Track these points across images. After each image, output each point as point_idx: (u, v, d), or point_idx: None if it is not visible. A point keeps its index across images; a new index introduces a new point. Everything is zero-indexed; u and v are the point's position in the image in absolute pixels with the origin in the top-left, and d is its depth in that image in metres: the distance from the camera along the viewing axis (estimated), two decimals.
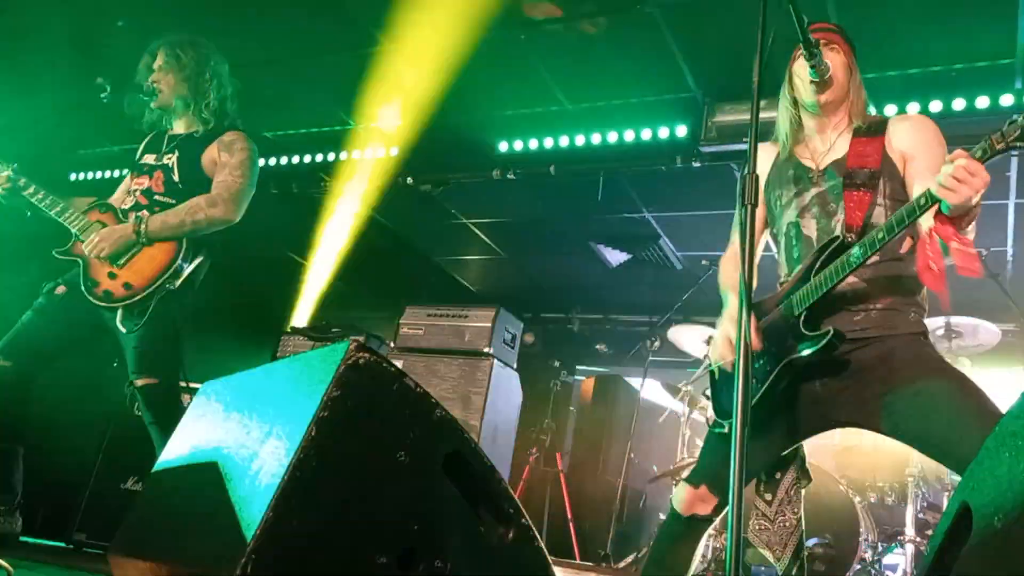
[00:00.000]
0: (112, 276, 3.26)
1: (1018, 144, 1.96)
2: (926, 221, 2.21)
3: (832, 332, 2.31)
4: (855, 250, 2.27)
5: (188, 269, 3.29)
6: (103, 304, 3.22)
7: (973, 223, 2.11)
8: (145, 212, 3.34)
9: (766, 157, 2.79)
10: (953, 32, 4.37)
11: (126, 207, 3.43)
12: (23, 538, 3.34)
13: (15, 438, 3.26)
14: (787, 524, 2.70)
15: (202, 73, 3.53)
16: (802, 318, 2.39)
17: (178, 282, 3.25)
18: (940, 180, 2.01)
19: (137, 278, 3.24)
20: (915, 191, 2.32)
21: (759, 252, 2.82)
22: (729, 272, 2.78)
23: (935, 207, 2.09)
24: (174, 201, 3.37)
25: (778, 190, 2.69)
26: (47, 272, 3.43)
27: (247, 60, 5.25)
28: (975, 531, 1.29)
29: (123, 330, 3.20)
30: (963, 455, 2.07)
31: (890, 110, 4.73)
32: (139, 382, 3.26)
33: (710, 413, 2.69)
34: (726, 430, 2.55)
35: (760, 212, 2.75)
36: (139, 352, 3.25)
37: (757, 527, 2.73)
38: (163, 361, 3.30)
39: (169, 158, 3.49)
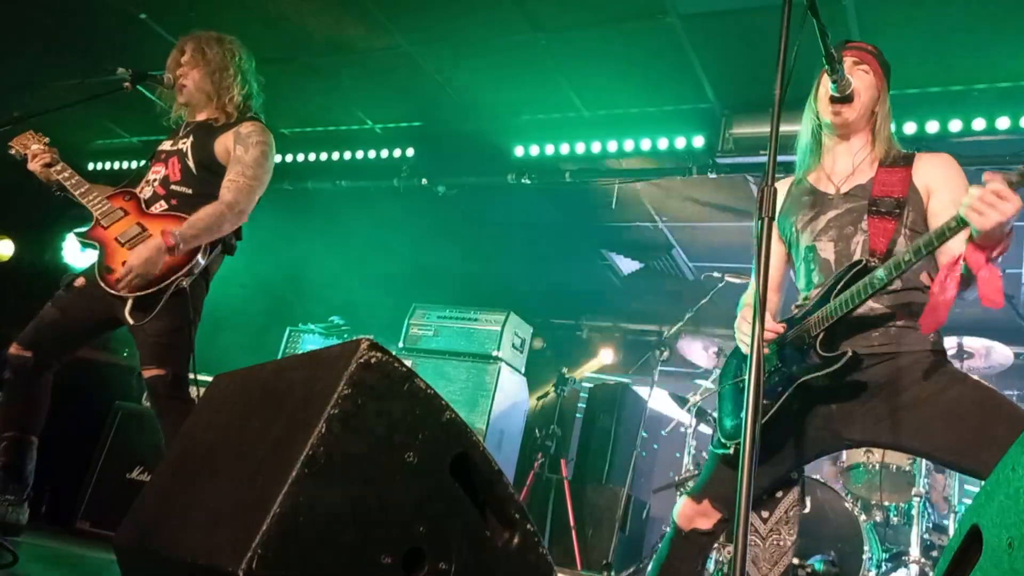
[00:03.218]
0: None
1: None
2: (946, 252, 2.19)
3: (850, 354, 2.28)
4: (880, 272, 2.23)
5: (203, 263, 3.28)
6: (114, 292, 3.21)
7: (1003, 254, 2.06)
8: (175, 222, 3.31)
9: (780, 190, 2.72)
10: (975, 52, 4.35)
11: (145, 196, 3.42)
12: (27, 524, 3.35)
13: (31, 429, 3.27)
14: (781, 544, 2.67)
15: (226, 68, 3.51)
16: (819, 339, 2.36)
17: (192, 278, 3.24)
18: (967, 201, 1.99)
19: None
20: (937, 222, 2.25)
21: (778, 294, 2.79)
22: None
23: (965, 232, 2.05)
24: (190, 191, 3.36)
25: (792, 216, 2.65)
26: None
27: (267, 56, 5.27)
28: (985, 552, 1.28)
29: (131, 321, 3.18)
30: (991, 460, 2.03)
31: (909, 128, 4.71)
32: (147, 373, 3.24)
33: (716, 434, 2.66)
34: (730, 451, 2.49)
35: (779, 250, 2.73)
36: (149, 343, 3.23)
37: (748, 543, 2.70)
38: (173, 353, 3.28)
39: (184, 143, 3.47)
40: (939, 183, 2.46)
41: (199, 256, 3.24)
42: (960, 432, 2.18)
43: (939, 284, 2.13)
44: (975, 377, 2.35)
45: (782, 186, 2.74)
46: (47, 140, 3.51)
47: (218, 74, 3.50)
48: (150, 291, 3.17)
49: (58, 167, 3.43)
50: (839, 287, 2.37)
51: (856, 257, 2.42)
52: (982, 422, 2.15)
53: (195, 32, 3.61)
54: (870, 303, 2.36)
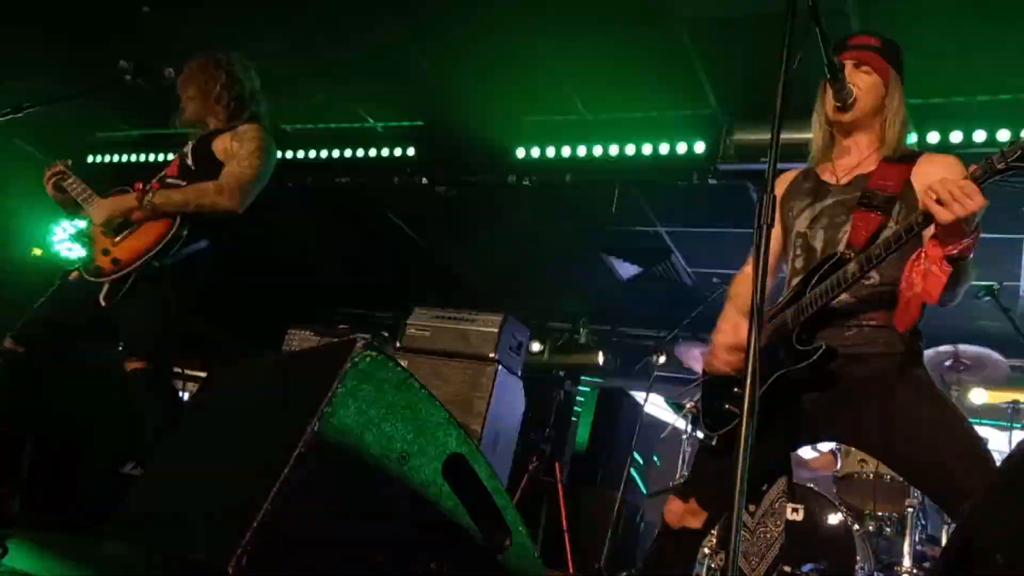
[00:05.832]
0: (106, 252, 3.27)
1: (1018, 164, 1.92)
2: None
3: (824, 348, 2.29)
4: (851, 266, 2.25)
5: (178, 249, 3.26)
6: (93, 279, 3.23)
7: (971, 253, 2.05)
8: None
9: (788, 177, 2.75)
10: (976, 64, 4.35)
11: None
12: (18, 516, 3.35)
13: (26, 423, 3.28)
14: (768, 536, 2.69)
15: (208, 71, 3.59)
16: (795, 332, 2.37)
17: (166, 260, 3.23)
18: (929, 192, 1.98)
19: (125, 254, 3.24)
20: None
21: (774, 278, 2.78)
22: (737, 289, 2.76)
23: (932, 228, 2.05)
24: (184, 182, 3.40)
25: (791, 202, 2.66)
26: None
27: (270, 52, 5.26)
28: (976, 566, 1.28)
29: (103, 303, 3.19)
30: (949, 488, 2.11)
31: (910, 138, 4.70)
32: (128, 366, 3.23)
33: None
34: (714, 443, 2.53)
35: (777, 233, 2.71)
36: (127, 333, 3.24)
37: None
38: (152, 344, 3.27)
39: (185, 147, 3.57)
40: None
41: (171, 238, 3.24)
42: (924, 456, 2.20)
43: (906, 281, 2.13)
44: (945, 394, 2.35)
45: (794, 173, 2.75)
46: (69, 162, 3.56)
47: (203, 81, 3.60)
48: (123, 272, 3.19)
49: (72, 182, 3.46)
50: (814, 280, 2.38)
51: (840, 248, 2.42)
52: (946, 449, 2.17)
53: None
54: (847, 297, 2.37)
